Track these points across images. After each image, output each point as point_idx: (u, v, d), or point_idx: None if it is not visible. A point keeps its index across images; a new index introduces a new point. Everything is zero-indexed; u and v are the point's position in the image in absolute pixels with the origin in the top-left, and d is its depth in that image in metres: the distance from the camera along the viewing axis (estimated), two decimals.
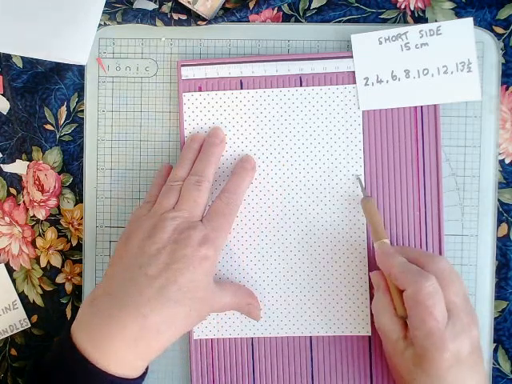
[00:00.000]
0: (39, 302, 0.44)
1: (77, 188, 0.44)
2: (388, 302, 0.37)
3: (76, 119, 0.44)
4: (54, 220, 0.44)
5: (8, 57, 0.43)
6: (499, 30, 0.42)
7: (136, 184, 0.43)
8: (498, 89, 0.42)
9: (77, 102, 0.43)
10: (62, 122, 0.43)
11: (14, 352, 0.44)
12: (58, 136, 0.44)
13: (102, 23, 0.43)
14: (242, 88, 0.42)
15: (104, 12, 0.42)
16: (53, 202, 0.44)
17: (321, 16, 0.43)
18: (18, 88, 0.43)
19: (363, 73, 0.41)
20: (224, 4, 0.43)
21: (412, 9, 0.42)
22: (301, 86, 0.42)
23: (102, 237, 0.43)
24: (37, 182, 0.43)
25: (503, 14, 0.42)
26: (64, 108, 0.43)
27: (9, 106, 0.44)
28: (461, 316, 0.34)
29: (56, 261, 0.44)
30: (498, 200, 0.42)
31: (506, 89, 0.42)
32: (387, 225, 0.41)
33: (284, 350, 0.41)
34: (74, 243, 0.44)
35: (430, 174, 0.41)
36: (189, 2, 0.42)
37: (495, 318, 0.42)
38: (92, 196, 0.43)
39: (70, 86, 0.43)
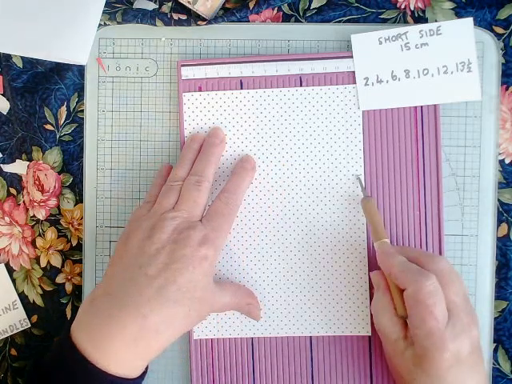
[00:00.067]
0: (39, 301, 0.44)
1: (77, 188, 0.44)
2: (388, 302, 0.37)
3: (76, 119, 0.44)
4: (53, 220, 0.44)
5: (8, 57, 0.43)
6: (499, 30, 0.42)
7: (136, 184, 0.43)
8: (498, 89, 0.42)
9: (77, 102, 0.44)
10: (61, 122, 0.43)
11: (14, 352, 0.44)
12: (57, 136, 0.44)
13: (102, 23, 0.43)
14: (241, 88, 0.42)
15: (104, 12, 0.42)
16: (53, 202, 0.44)
17: (321, 16, 0.43)
18: (18, 88, 0.43)
19: (363, 73, 0.41)
20: (224, 4, 0.43)
21: (412, 9, 0.42)
22: (301, 85, 0.42)
23: (102, 237, 0.43)
24: (37, 182, 0.43)
25: (503, 13, 0.42)
26: (64, 108, 0.43)
27: (9, 105, 0.44)
28: (461, 316, 0.34)
29: (56, 261, 0.44)
30: (498, 200, 0.42)
31: (506, 89, 0.42)
32: (387, 225, 0.41)
33: (284, 349, 0.41)
34: (74, 243, 0.44)
35: (430, 174, 0.41)
36: (189, 2, 0.42)
37: (495, 318, 0.42)
38: (92, 196, 0.43)
39: (70, 85, 0.43)
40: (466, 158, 0.42)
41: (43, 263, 0.44)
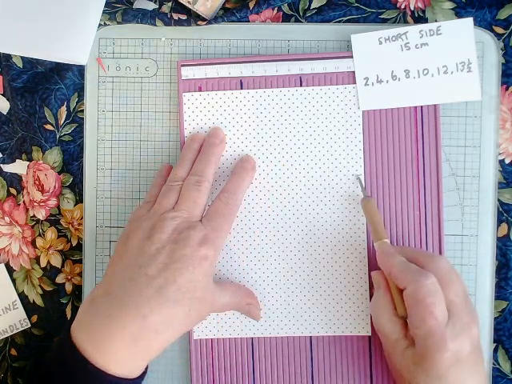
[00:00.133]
0: (39, 302, 0.44)
1: (77, 188, 0.44)
2: (388, 302, 0.37)
3: (76, 119, 0.44)
4: (53, 220, 0.44)
5: (8, 57, 0.43)
6: (499, 30, 0.42)
7: (136, 184, 0.43)
8: (498, 89, 0.42)
9: (77, 102, 0.44)
10: (62, 122, 0.43)
11: (14, 352, 0.44)
12: (57, 136, 0.44)
13: (102, 23, 0.43)
14: (241, 88, 0.42)
15: (104, 12, 0.42)
16: (53, 201, 0.44)
17: (321, 16, 0.43)
18: (18, 88, 0.43)
19: (363, 73, 0.41)
20: (224, 4, 0.43)
21: (412, 9, 0.42)
22: (301, 86, 0.42)
23: (102, 237, 0.43)
24: (37, 182, 0.43)
25: (503, 13, 0.42)
26: (64, 108, 0.43)
27: (9, 105, 0.44)
28: (461, 315, 0.34)
29: (56, 261, 0.44)
30: (498, 200, 0.42)
31: (506, 89, 0.42)
32: (387, 225, 0.41)
33: (284, 349, 0.41)
34: (74, 243, 0.44)
35: (430, 174, 0.41)
36: (189, 2, 0.42)
37: (495, 318, 0.42)
38: (92, 196, 0.43)
39: (70, 85, 0.43)
40: (466, 157, 0.42)
41: (43, 263, 0.44)
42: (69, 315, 0.44)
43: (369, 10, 0.43)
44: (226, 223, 0.38)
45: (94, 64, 0.43)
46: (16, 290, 0.44)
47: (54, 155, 0.43)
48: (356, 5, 0.42)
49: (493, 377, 0.42)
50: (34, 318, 0.44)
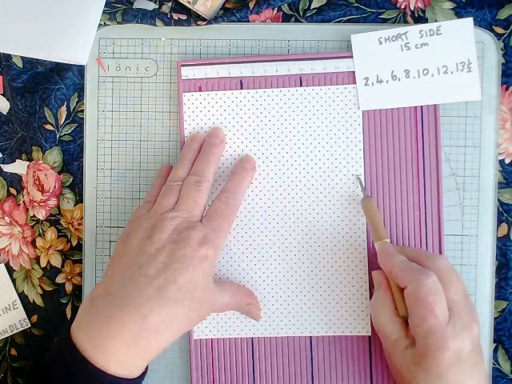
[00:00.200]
0: (39, 302, 0.44)
1: (77, 188, 0.44)
2: (388, 301, 0.37)
3: (76, 119, 0.44)
4: (53, 220, 0.44)
5: (8, 57, 0.43)
6: (499, 30, 0.42)
7: (136, 184, 0.43)
8: (498, 89, 0.42)
9: (77, 102, 0.44)
10: (62, 122, 0.43)
11: (14, 352, 0.44)
12: (58, 136, 0.44)
13: (102, 23, 0.43)
14: (241, 88, 0.42)
15: (104, 12, 0.42)
16: (53, 201, 0.44)
17: (321, 16, 0.43)
18: (18, 88, 0.43)
19: (363, 73, 0.41)
20: (224, 4, 0.43)
21: (412, 9, 0.42)
22: (301, 85, 0.42)
23: (102, 237, 0.43)
24: (37, 182, 0.43)
25: (503, 13, 0.42)
26: (64, 108, 0.43)
27: (9, 105, 0.44)
28: (461, 314, 0.34)
29: (56, 261, 0.44)
30: (498, 200, 0.42)
31: (506, 89, 0.42)
32: (387, 225, 0.41)
33: (284, 349, 0.41)
34: (74, 243, 0.44)
35: (430, 174, 0.41)
36: (189, 2, 0.42)
37: (495, 318, 0.42)
38: (92, 196, 0.43)
39: (70, 85, 0.43)
40: (466, 157, 0.42)
41: (43, 263, 0.44)
42: (69, 315, 0.44)
43: (369, 10, 0.43)
44: (226, 223, 0.38)
45: (94, 64, 0.43)
46: (16, 290, 0.44)
47: (54, 155, 0.43)
48: (356, 5, 0.42)
49: (493, 377, 0.42)
50: (34, 317, 0.44)
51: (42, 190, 0.43)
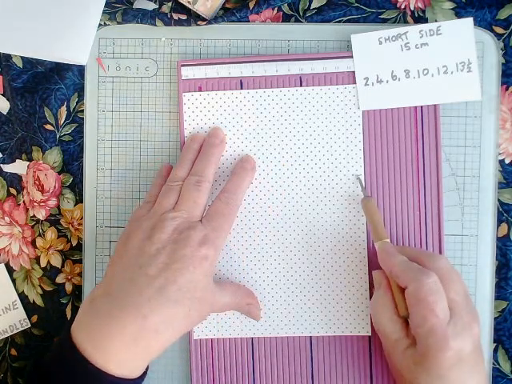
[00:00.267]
0: (39, 301, 0.44)
1: (77, 188, 0.44)
2: (388, 300, 0.37)
3: (76, 119, 0.44)
4: (53, 220, 0.44)
5: (8, 57, 0.43)
6: (499, 30, 0.42)
7: (136, 184, 0.43)
8: (498, 89, 0.42)
9: (77, 102, 0.44)
10: (62, 122, 0.43)
11: (14, 352, 0.44)
12: (58, 136, 0.44)
13: (102, 23, 0.43)
14: (241, 88, 0.42)
15: (104, 12, 0.42)
16: (53, 201, 0.44)
17: (321, 16, 0.43)
18: (17, 88, 0.43)
19: (363, 73, 0.41)
20: (224, 4, 0.43)
21: (412, 9, 0.42)
22: (301, 85, 0.42)
23: (102, 237, 0.43)
24: (37, 182, 0.43)
25: (503, 14, 0.42)
26: (64, 108, 0.43)
27: (9, 105, 0.44)
28: (462, 314, 0.34)
29: (56, 261, 0.44)
30: (498, 200, 0.42)
31: (506, 89, 0.42)
32: (387, 225, 0.41)
33: (284, 349, 0.41)
34: (74, 243, 0.44)
35: (430, 174, 0.41)
36: (189, 2, 0.42)
37: (495, 318, 0.42)
38: (92, 196, 0.43)
39: (70, 86, 0.43)
40: (466, 157, 0.42)
41: (43, 263, 0.44)
42: (69, 315, 0.44)
43: (369, 9, 0.43)
44: (226, 223, 0.38)
45: (94, 64, 0.43)
46: (16, 289, 0.44)
47: (54, 155, 0.43)
48: (356, 5, 0.42)
49: (493, 377, 0.42)
50: (34, 317, 0.44)
51: (42, 189, 0.43)
